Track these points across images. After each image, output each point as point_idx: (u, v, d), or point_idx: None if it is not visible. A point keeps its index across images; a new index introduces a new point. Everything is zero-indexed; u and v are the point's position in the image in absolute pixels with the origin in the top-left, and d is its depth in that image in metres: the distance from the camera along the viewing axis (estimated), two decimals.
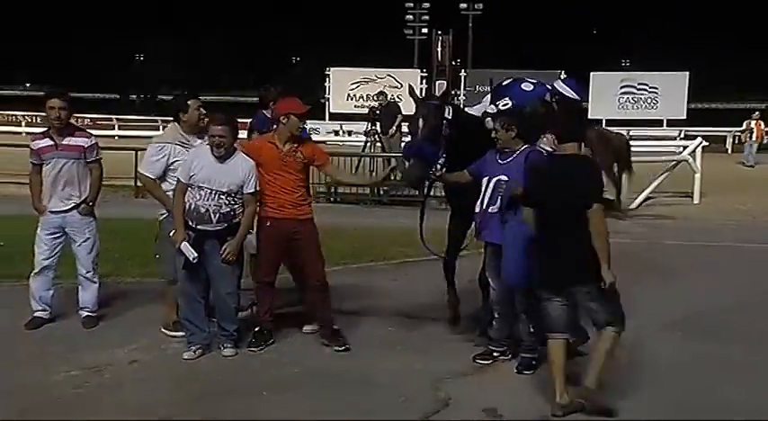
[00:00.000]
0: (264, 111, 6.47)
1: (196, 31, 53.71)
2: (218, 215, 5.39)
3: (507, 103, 5.79)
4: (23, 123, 33.86)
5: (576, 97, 6.08)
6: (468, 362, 5.46)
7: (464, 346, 5.81)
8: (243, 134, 6.09)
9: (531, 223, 4.82)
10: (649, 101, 36.81)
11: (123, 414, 4.60)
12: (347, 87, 36.44)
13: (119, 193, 13.20)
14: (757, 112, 25.65)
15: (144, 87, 55.85)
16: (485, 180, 5.40)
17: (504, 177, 5.28)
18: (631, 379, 5.10)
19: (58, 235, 6.05)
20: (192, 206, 5.41)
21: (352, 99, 36.15)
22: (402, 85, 29.98)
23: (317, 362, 5.47)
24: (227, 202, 5.41)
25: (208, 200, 5.38)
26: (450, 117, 5.61)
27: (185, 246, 5.40)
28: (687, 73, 36.88)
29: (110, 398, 4.84)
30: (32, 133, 7.61)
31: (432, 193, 6.65)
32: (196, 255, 5.39)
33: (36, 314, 6.11)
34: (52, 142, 5.97)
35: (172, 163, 5.73)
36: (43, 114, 6.26)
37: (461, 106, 5.76)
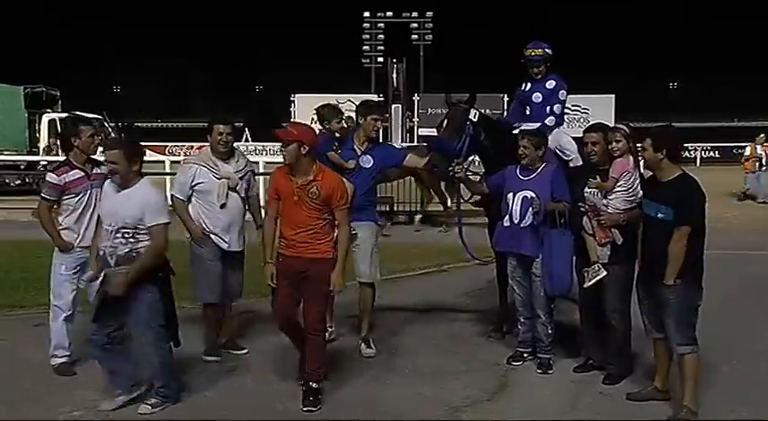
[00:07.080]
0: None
1: (168, 61, 52.20)
2: (114, 257, 4.11)
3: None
4: None
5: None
6: (481, 387, 4.83)
7: (472, 368, 5.21)
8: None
9: None
10: (582, 120, 36.83)
11: None
12: (311, 112, 35.54)
13: None
14: (762, 135, 17.97)
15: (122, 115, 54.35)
16: (509, 195, 5.10)
17: (529, 193, 5.01)
18: None
19: (79, 272, 4.83)
20: (101, 251, 4.23)
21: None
22: None
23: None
24: (123, 242, 4.11)
25: (107, 240, 4.15)
26: (475, 119, 5.35)
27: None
28: (613, 95, 36.82)
29: None
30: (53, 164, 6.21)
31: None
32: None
33: (62, 360, 5.00)
34: (83, 173, 4.91)
35: None
36: None
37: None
